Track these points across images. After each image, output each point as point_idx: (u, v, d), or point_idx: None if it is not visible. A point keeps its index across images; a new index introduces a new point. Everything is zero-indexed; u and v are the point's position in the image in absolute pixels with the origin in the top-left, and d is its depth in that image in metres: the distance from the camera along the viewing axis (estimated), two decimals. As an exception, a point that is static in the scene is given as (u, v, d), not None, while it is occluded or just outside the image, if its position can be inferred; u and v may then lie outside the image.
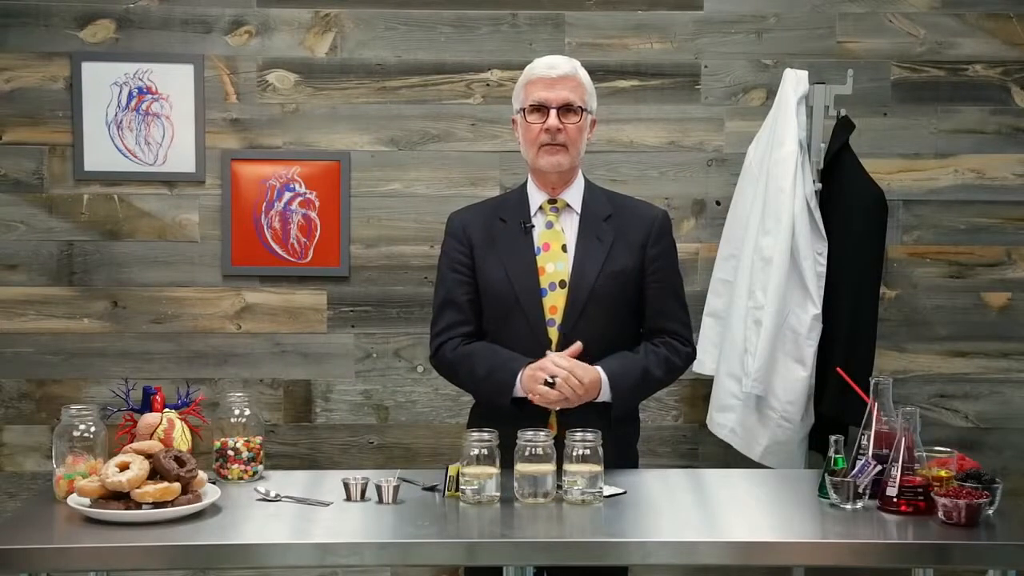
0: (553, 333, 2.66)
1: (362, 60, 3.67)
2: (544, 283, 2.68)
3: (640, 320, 2.76)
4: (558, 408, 2.60)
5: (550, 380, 2.54)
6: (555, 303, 2.67)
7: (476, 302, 2.75)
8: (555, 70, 2.66)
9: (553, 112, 2.64)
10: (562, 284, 2.67)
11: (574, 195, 2.74)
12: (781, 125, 3.37)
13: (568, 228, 2.72)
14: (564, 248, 2.70)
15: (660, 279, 2.73)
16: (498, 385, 2.63)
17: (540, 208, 2.74)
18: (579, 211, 2.73)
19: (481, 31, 3.67)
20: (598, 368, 2.62)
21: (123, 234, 3.68)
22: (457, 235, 2.78)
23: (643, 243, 2.72)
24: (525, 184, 2.79)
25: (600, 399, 2.62)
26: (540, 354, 2.62)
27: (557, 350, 2.63)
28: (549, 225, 2.73)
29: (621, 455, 2.71)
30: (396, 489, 2.42)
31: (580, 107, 2.67)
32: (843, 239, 3.38)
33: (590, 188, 2.78)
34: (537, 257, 2.69)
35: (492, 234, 2.74)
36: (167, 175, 3.66)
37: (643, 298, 2.73)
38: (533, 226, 2.72)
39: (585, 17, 3.66)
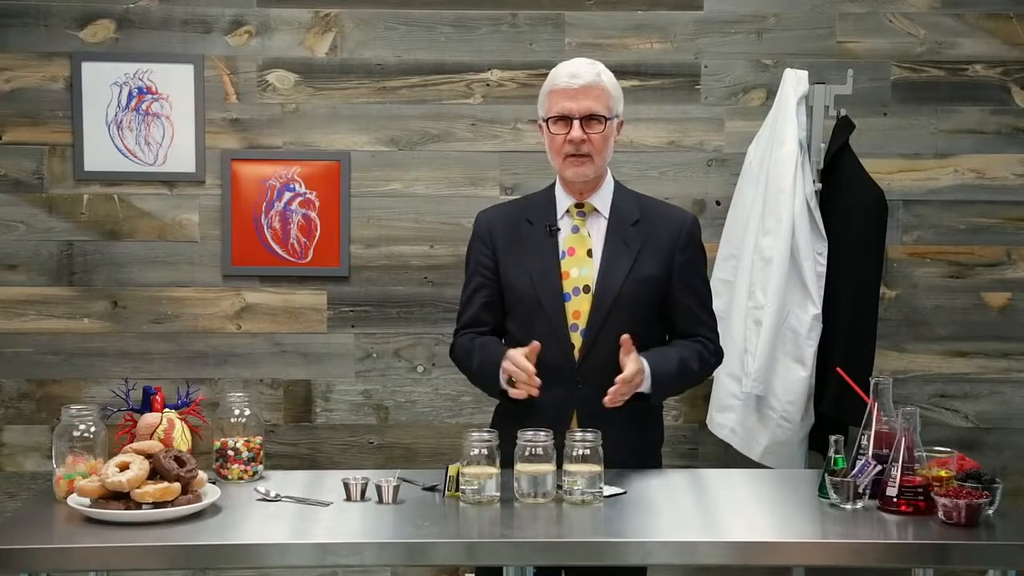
0: (576, 338, 2.65)
1: (362, 60, 3.67)
2: (568, 288, 2.66)
3: (663, 325, 2.75)
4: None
5: (511, 381, 2.58)
6: (579, 308, 2.65)
7: (494, 304, 2.75)
8: (577, 79, 2.62)
9: (576, 123, 2.61)
10: (586, 289, 2.66)
11: (602, 199, 2.72)
12: (781, 125, 3.37)
13: (595, 233, 2.70)
14: (589, 253, 2.68)
15: (688, 286, 2.71)
16: (488, 380, 2.68)
17: (567, 211, 2.72)
18: (607, 216, 2.71)
19: (481, 31, 3.67)
20: (640, 358, 2.58)
21: (123, 234, 3.68)
22: (482, 235, 2.77)
23: (671, 250, 2.69)
24: (553, 185, 2.78)
25: (641, 389, 2.60)
26: (564, 359, 2.63)
27: (580, 355, 2.63)
28: (575, 229, 2.71)
29: (644, 460, 2.71)
30: (396, 489, 2.42)
31: (604, 116, 2.63)
32: (843, 239, 3.38)
33: (619, 191, 2.76)
34: (562, 261, 2.68)
35: (518, 235, 2.73)
36: (167, 175, 3.66)
37: (670, 304, 2.71)
38: (559, 229, 2.70)
39: (585, 17, 3.66)
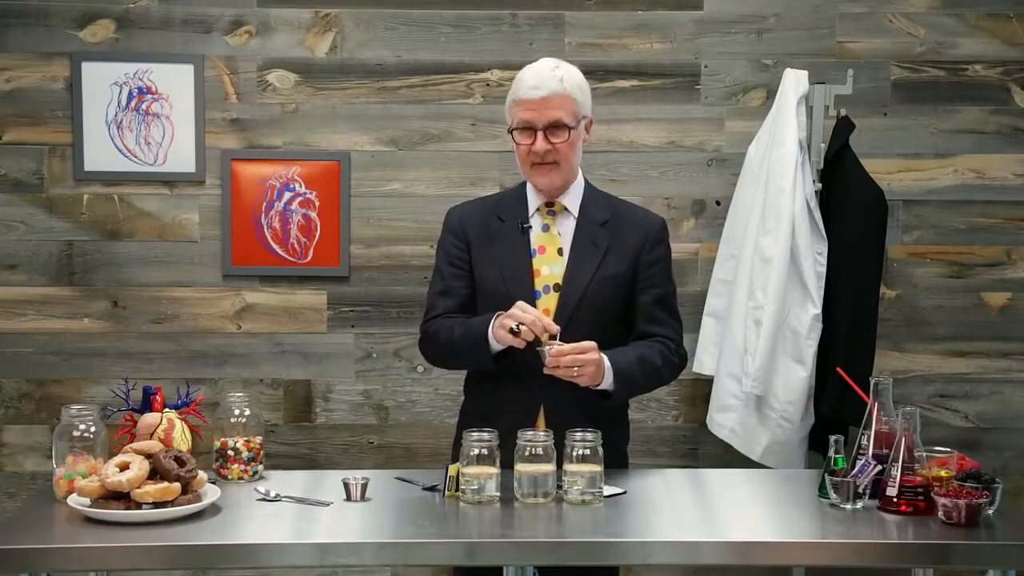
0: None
1: (362, 60, 3.67)
2: (539, 286, 2.67)
3: (626, 327, 2.74)
4: (568, 375, 2.52)
5: (515, 328, 2.49)
6: (548, 306, 2.65)
7: (470, 296, 2.74)
8: (538, 91, 2.59)
9: (540, 134, 2.60)
10: (556, 287, 2.66)
11: (572, 199, 2.73)
12: (781, 125, 3.37)
13: (564, 232, 2.71)
14: (560, 252, 2.69)
15: (652, 286, 2.71)
16: (474, 339, 2.60)
17: (538, 210, 2.73)
18: (576, 215, 2.72)
19: (481, 31, 3.67)
20: (601, 354, 2.56)
21: (123, 234, 3.68)
22: (455, 231, 2.78)
23: (638, 249, 2.70)
24: (525, 184, 2.78)
25: (603, 386, 2.58)
26: (532, 360, 2.59)
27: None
28: (546, 228, 2.72)
29: (609, 458, 2.68)
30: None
31: (568, 125, 2.61)
32: (843, 239, 3.38)
33: (590, 191, 2.77)
34: (532, 259, 2.69)
35: (489, 233, 2.73)
36: (167, 175, 3.66)
37: (634, 305, 2.71)
38: (531, 227, 2.71)
39: (585, 17, 3.66)
